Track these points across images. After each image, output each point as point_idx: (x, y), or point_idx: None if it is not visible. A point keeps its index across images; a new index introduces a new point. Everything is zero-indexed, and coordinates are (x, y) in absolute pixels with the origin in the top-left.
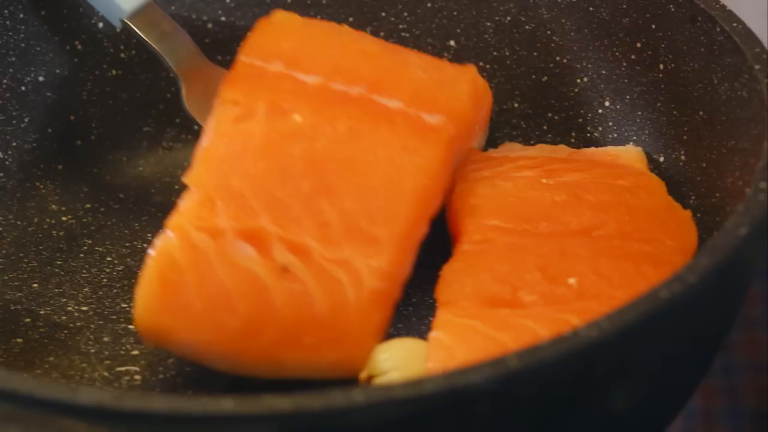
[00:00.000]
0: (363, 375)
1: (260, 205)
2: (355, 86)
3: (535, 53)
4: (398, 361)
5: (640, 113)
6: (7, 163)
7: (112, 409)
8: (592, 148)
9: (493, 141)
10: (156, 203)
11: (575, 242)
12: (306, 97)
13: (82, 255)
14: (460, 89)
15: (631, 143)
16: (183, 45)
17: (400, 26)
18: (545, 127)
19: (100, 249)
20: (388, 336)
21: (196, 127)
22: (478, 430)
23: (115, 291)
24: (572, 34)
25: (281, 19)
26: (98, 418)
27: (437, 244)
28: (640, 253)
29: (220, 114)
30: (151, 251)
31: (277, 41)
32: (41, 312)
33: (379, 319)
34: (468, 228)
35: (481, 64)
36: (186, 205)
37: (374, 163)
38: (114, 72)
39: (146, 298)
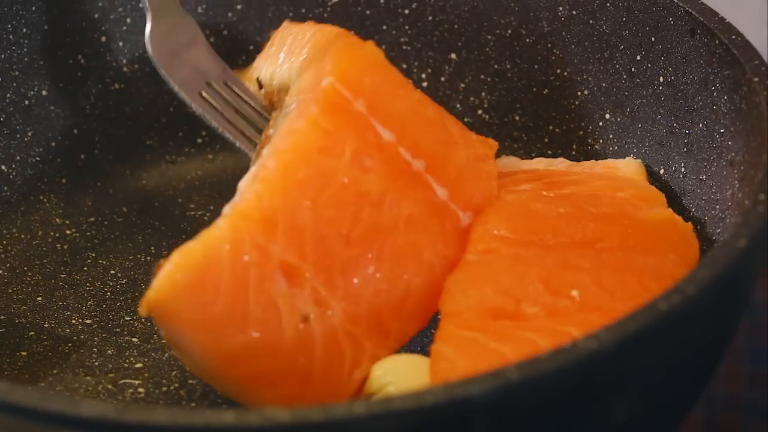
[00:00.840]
0: (362, 395)
1: (312, 251)
2: (417, 160)
3: (535, 66)
4: (394, 377)
5: (640, 125)
6: (10, 177)
7: (115, 421)
8: (592, 161)
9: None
10: (159, 216)
11: (579, 254)
12: (383, 157)
13: (85, 268)
14: (491, 184)
15: (631, 155)
16: None
17: (402, 39)
18: (546, 140)
19: (104, 262)
20: None
21: (199, 140)
22: None
23: (118, 304)
24: (573, 46)
25: (367, 51)
26: (101, 430)
27: None
28: (642, 266)
29: (309, 135)
30: (204, 234)
31: (362, 76)
32: (45, 325)
33: (353, 393)
34: (473, 237)
35: (482, 77)
36: (250, 209)
37: (420, 263)
38: (117, 86)
39: (174, 276)
